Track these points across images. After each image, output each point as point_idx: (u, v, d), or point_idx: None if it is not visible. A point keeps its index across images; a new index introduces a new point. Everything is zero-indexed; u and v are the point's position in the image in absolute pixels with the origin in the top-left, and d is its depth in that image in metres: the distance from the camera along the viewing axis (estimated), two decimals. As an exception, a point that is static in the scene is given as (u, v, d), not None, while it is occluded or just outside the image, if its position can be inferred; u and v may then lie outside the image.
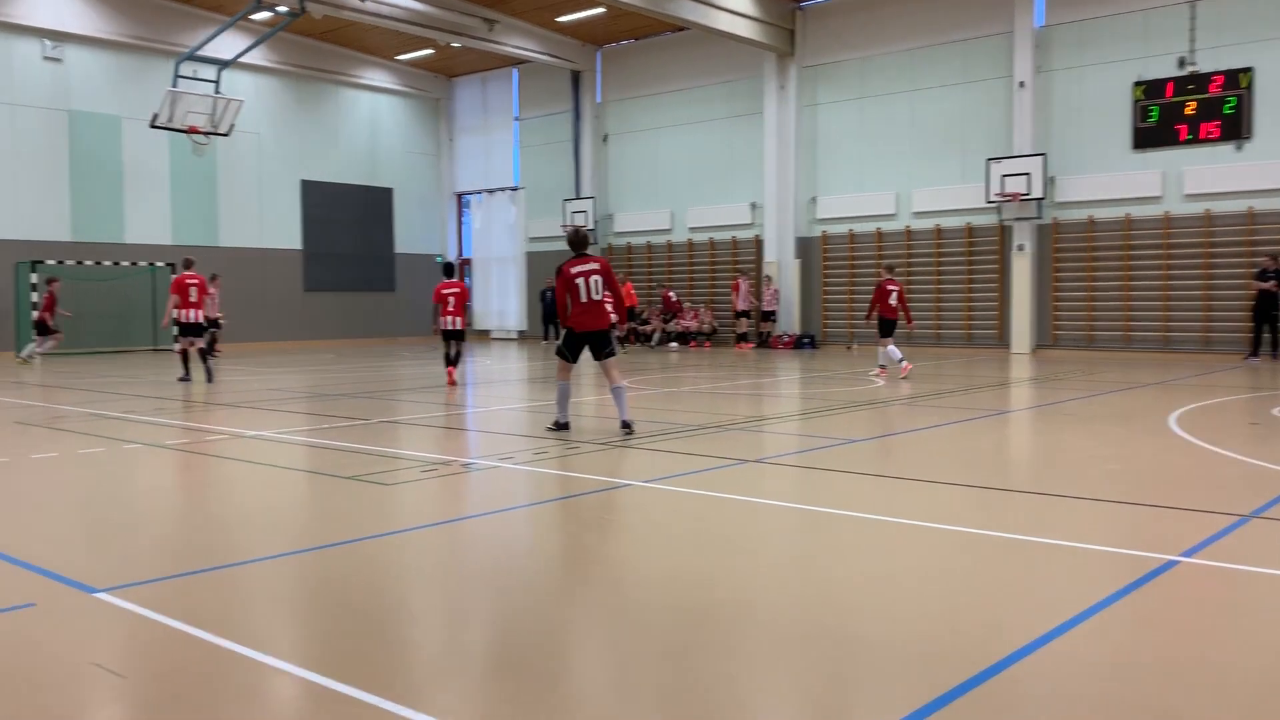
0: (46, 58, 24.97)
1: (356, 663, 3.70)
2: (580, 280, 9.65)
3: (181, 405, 13.13)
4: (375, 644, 3.94)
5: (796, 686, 3.55)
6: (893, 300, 16.39)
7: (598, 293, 9.71)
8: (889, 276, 16.70)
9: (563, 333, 9.95)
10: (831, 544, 5.57)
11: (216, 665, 3.70)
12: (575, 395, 12.16)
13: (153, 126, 22.34)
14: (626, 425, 9.60)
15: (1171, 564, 4.92)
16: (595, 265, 9.72)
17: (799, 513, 6.37)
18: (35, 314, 21.75)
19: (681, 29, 27.34)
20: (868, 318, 17.12)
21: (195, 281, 16.58)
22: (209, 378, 16.37)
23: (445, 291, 15.44)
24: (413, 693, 3.43)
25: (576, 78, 30.50)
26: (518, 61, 31.30)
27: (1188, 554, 5.09)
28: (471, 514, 6.53)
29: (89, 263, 25.39)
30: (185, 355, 16.46)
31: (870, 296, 17.42)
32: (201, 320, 16.73)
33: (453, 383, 15.20)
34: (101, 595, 4.49)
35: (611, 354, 9.80)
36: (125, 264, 25.90)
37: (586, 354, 9.93)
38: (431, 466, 8.07)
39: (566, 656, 3.92)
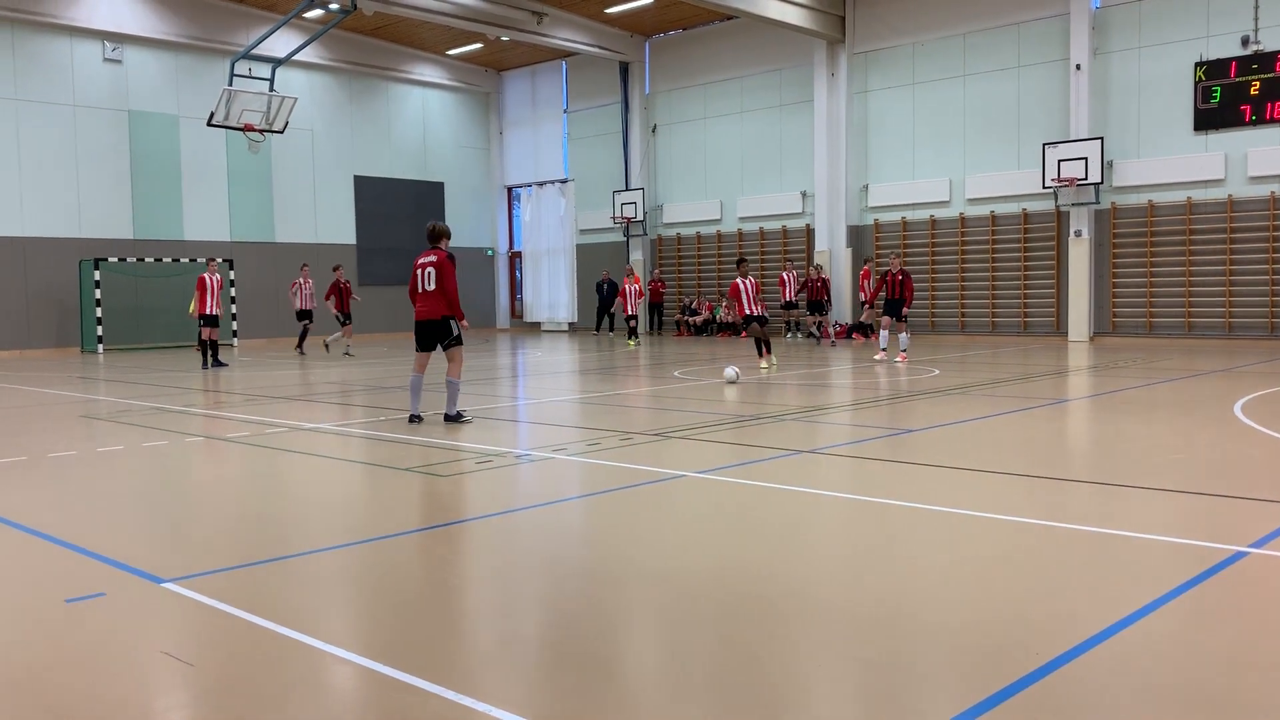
0: (107, 59, 25.52)
1: (416, 651, 3.74)
2: (418, 270, 10.09)
3: (241, 399, 13.37)
4: (434, 633, 3.99)
5: (855, 678, 3.53)
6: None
7: (431, 284, 10.00)
8: (897, 264, 17.43)
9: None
10: (889, 535, 5.52)
11: (280, 653, 3.76)
12: (632, 387, 12.20)
13: (210, 125, 22.74)
14: (449, 417, 10.02)
15: (1240, 555, 4.81)
16: (433, 258, 10.03)
17: (855, 503, 6.32)
18: (331, 306, 21.83)
19: (730, 18, 27.22)
20: (870, 301, 18.42)
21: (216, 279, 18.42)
22: (205, 365, 18.30)
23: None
24: (471, 681, 3.47)
25: (625, 69, 30.50)
26: (566, 54, 31.37)
27: (1257, 545, 4.98)
28: (527, 505, 6.57)
29: (149, 260, 25.93)
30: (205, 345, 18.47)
31: (914, 285, 17.96)
32: (215, 313, 18.40)
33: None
34: (168, 585, 4.60)
35: (449, 345, 10.09)
36: (185, 260, 26.41)
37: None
38: (487, 458, 8.14)
39: (622, 646, 3.93)
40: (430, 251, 10.12)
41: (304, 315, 22.59)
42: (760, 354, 16.17)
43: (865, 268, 24.57)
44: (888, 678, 3.48)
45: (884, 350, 17.46)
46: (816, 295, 24.65)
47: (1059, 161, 22.22)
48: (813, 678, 3.54)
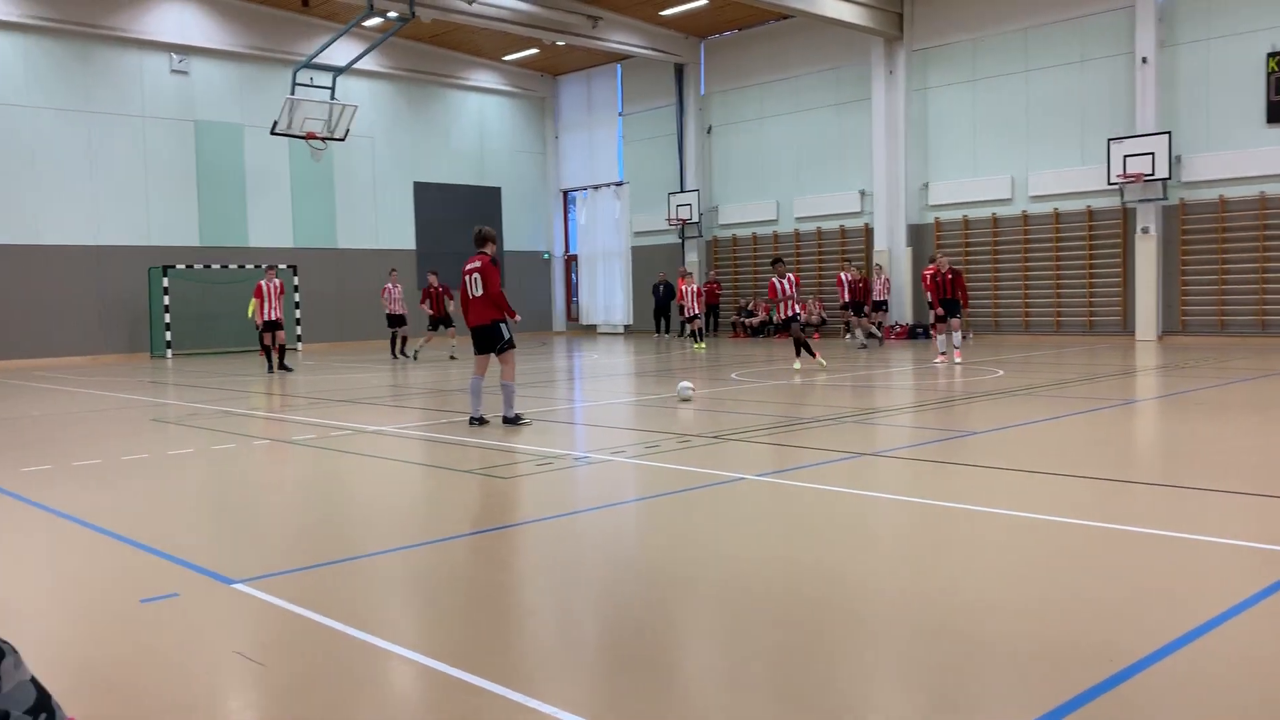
0: (174, 71, 26.14)
1: (479, 652, 3.78)
2: (465, 277, 10.22)
3: (305, 402, 13.60)
4: (497, 634, 4.02)
5: (920, 684, 3.49)
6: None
7: (477, 289, 10.10)
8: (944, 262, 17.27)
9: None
10: (953, 539, 5.44)
11: (348, 653, 3.82)
12: (700, 388, 12.14)
13: (273, 134, 23.19)
14: (507, 420, 10.09)
15: (1320, 561, 4.66)
16: (477, 263, 10.12)
17: (918, 507, 6.25)
18: (427, 309, 21.59)
19: (786, 17, 27.07)
20: (935, 306, 17.35)
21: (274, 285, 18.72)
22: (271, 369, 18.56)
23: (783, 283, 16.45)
24: (533, 682, 3.49)
25: (680, 70, 30.50)
26: (621, 57, 31.46)
27: (1338, 550, 4.82)
28: (587, 507, 6.60)
29: (215, 266, 26.51)
30: (269, 350, 18.75)
31: (965, 281, 17.50)
32: (275, 318, 18.71)
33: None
34: (239, 586, 4.69)
35: (501, 349, 10.15)
36: (250, 267, 26.95)
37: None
38: (546, 460, 8.18)
39: (683, 649, 3.93)
40: (475, 257, 10.24)
41: (395, 321, 22.19)
42: (797, 354, 15.96)
43: (931, 267, 24.22)
44: (954, 684, 3.43)
45: (943, 354, 17.01)
46: (856, 296, 23.54)
47: (1124, 157, 21.75)
48: (876, 683, 3.51)
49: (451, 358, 21.31)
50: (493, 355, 10.29)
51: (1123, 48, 22.32)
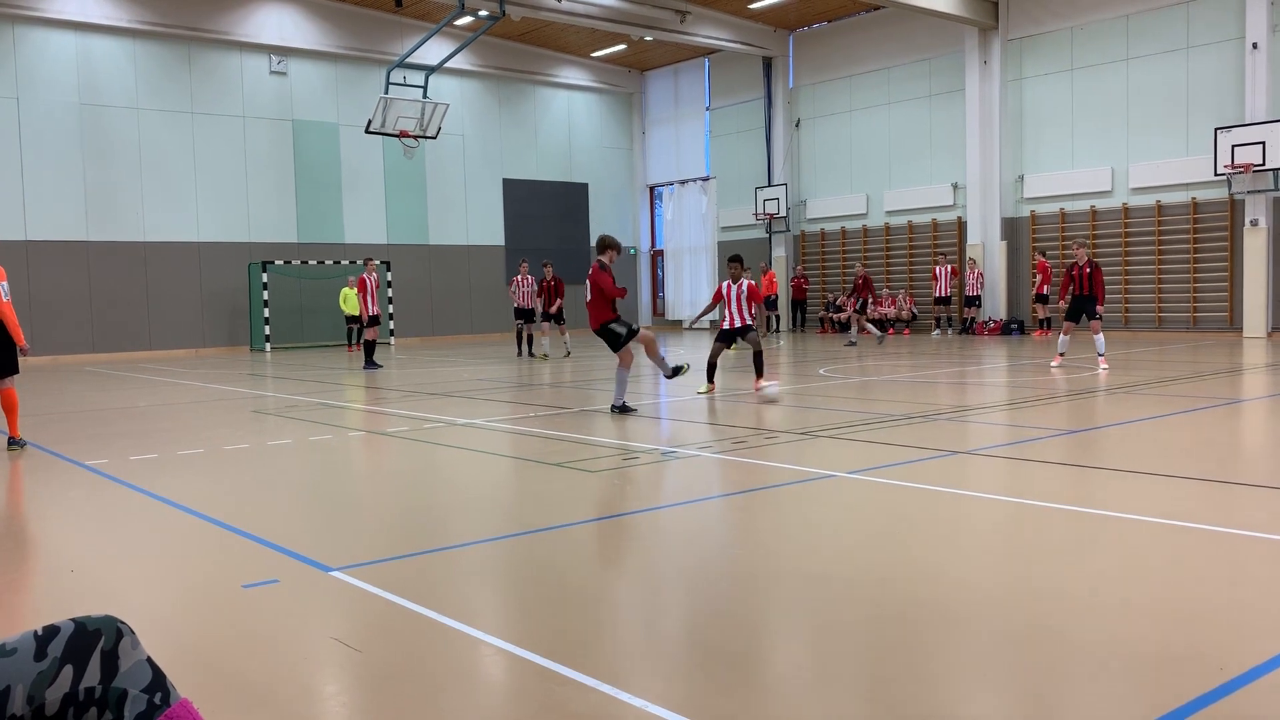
0: (273, 72, 26.92)
1: (568, 643, 3.80)
2: (588, 281, 10.88)
3: (399, 395, 13.88)
4: (586, 626, 4.05)
5: (1016, 690, 3.40)
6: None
7: (588, 295, 10.90)
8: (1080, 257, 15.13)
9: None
10: (1048, 540, 5.30)
11: (442, 642, 3.89)
12: (787, 388, 12.08)
13: (367, 132, 23.69)
14: (614, 408, 10.69)
15: None
16: (591, 270, 10.85)
17: (1012, 506, 6.10)
18: (542, 304, 20.76)
19: (877, 8, 26.68)
20: (1061, 299, 15.37)
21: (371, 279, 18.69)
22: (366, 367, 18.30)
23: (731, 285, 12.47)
24: (619, 673, 3.50)
25: (768, 64, 30.27)
26: (709, 51, 31.36)
27: None
28: (673, 501, 6.60)
29: (313, 262, 27.22)
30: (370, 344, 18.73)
31: (1103, 277, 15.26)
32: (375, 312, 18.68)
33: (761, 391, 11.95)
34: (336, 574, 4.81)
35: (614, 347, 10.88)
36: (345, 262, 27.61)
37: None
38: (633, 454, 8.21)
39: (767, 646, 3.90)
40: (594, 264, 10.92)
41: (523, 315, 21.35)
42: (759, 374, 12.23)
43: (1041, 260, 23.70)
44: (1052, 689, 3.34)
45: (1061, 354, 15.13)
46: (861, 294, 23.21)
47: (1233, 147, 20.90)
48: (969, 685, 3.43)
49: (566, 354, 20.92)
50: (631, 346, 10.90)
51: (1232, 33, 21.45)
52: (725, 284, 12.34)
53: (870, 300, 24.55)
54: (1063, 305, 15.20)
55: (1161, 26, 22.56)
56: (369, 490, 7.50)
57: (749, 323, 12.26)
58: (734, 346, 20.21)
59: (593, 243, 33.10)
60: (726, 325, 12.31)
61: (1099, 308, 14.67)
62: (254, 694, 3.45)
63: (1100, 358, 14.47)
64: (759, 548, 5.39)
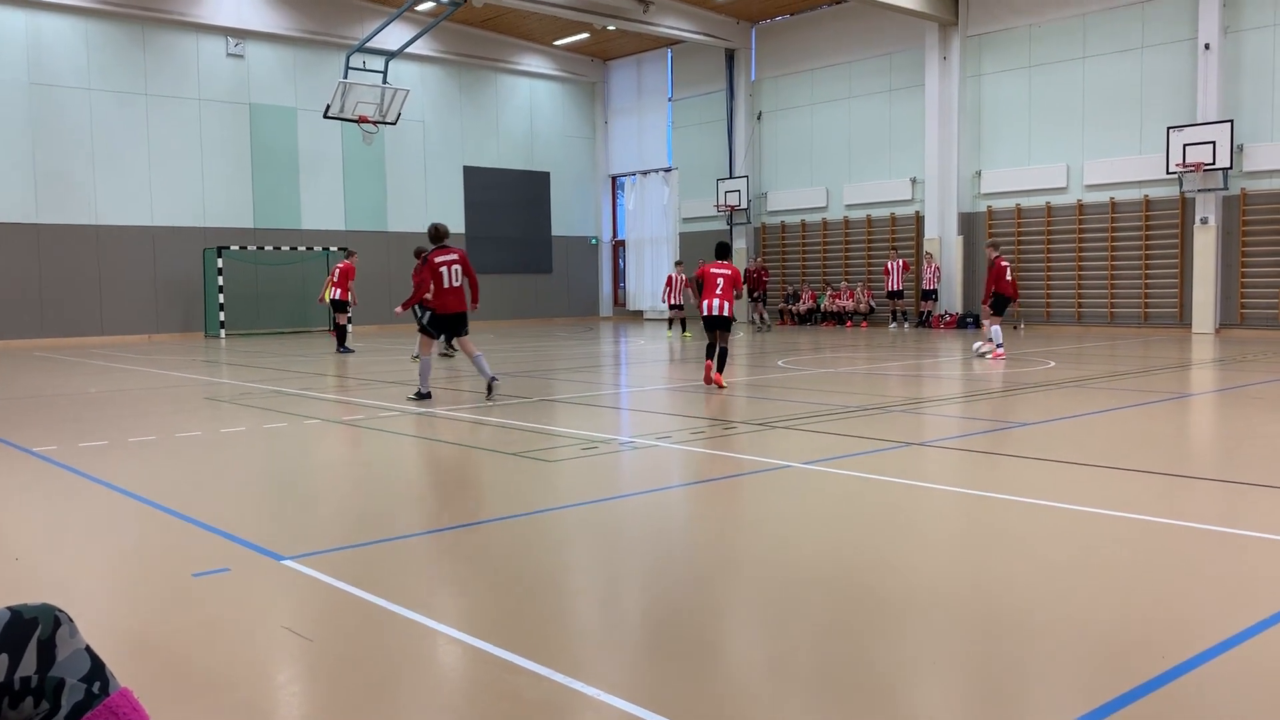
0: (229, 54, 26.50)
1: (523, 633, 3.80)
2: (444, 268, 11.11)
3: (355, 383, 13.76)
4: (541, 615, 4.04)
5: (967, 676, 3.45)
6: (1009, 277, 16.25)
7: (458, 279, 11.17)
8: (999, 254, 16.51)
9: (426, 313, 11.41)
10: (1001, 531, 5.38)
11: (395, 631, 3.87)
12: (735, 376, 12.19)
13: (325, 117, 23.41)
14: (491, 383, 11.15)
15: (1383, 561, 4.54)
16: (455, 255, 11.19)
17: (966, 497, 6.18)
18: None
19: (838, 2, 26.81)
20: (984, 301, 16.49)
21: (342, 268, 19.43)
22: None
23: (714, 272, 12.21)
24: (576, 663, 3.51)
25: (731, 56, 30.32)
26: (672, 42, 31.33)
27: (1402, 551, 4.69)
28: (631, 491, 6.61)
29: (269, 248, 26.87)
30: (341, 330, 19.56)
31: (998, 272, 16.03)
32: (346, 299, 19.41)
33: (718, 383, 11.92)
34: (288, 562, 4.76)
35: (465, 333, 11.32)
36: (302, 249, 27.28)
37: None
38: (591, 444, 8.21)
39: (725, 634, 3.92)
40: (448, 250, 11.20)
41: (677, 308, 23.88)
42: (721, 367, 12.15)
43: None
44: (1001, 676, 3.40)
45: (996, 344, 15.73)
46: (756, 287, 26.20)
47: (1184, 146, 21.27)
48: (922, 674, 3.48)
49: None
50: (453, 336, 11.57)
51: (1185, 34, 21.81)
52: (709, 266, 12.22)
53: (764, 292, 27.00)
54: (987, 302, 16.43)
55: (1117, 26, 22.88)
56: (323, 479, 7.43)
57: (731, 315, 12.09)
58: (687, 332, 20.71)
59: (554, 231, 33.43)
60: (708, 313, 12.12)
61: (982, 302, 16.06)
62: (202, 683, 3.41)
63: (989, 342, 15.85)
64: (716, 537, 5.41)
